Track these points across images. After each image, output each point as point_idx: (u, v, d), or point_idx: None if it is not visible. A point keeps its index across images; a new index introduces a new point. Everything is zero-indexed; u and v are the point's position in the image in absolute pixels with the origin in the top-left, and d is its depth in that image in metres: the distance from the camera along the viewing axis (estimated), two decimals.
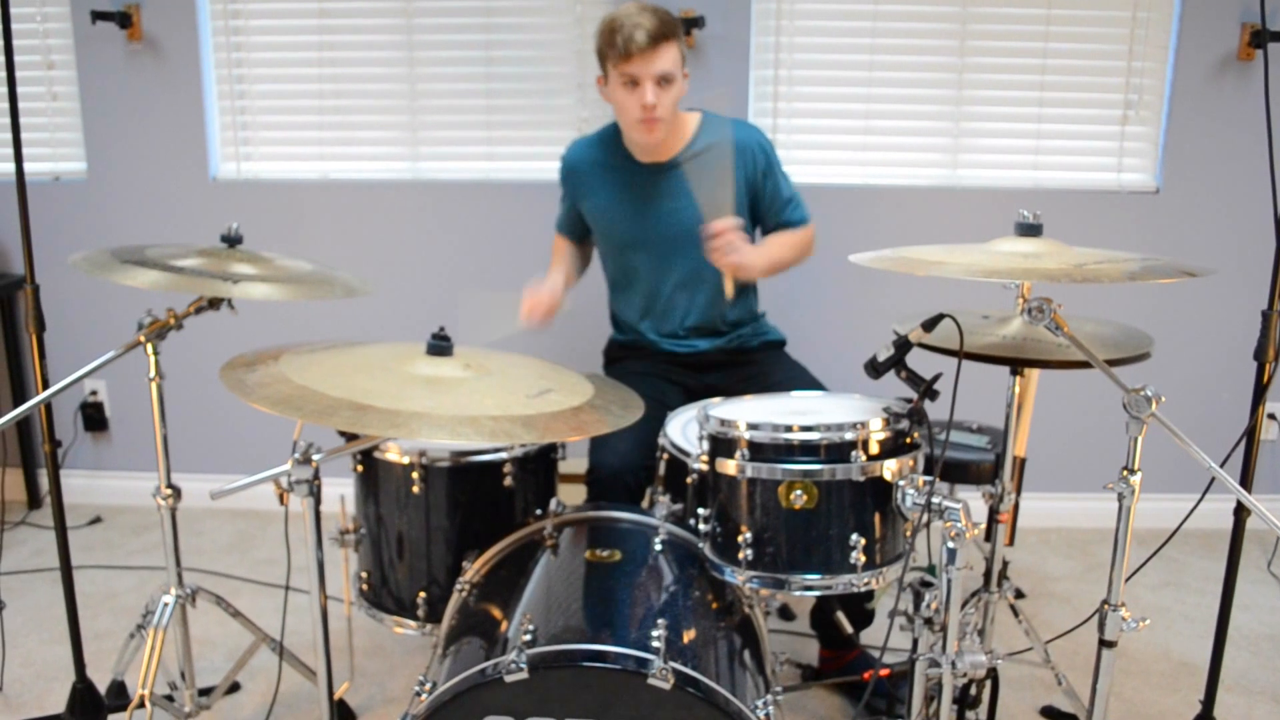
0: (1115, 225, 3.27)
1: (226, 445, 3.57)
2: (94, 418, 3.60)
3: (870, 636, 2.48)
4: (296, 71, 3.37)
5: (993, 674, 2.22)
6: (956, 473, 2.52)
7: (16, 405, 3.32)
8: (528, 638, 1.46)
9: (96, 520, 3.50)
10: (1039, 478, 3.38)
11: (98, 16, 3.19)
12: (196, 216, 3.41)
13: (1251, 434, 1.96)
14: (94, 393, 3.58)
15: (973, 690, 2.08)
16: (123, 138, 3.38)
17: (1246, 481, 1.95)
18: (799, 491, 1.59)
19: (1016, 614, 2.29)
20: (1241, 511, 1.95)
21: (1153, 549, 2.25)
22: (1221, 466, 1.55)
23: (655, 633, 1.47)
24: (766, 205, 2.51)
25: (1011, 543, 2.20)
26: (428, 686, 1.55)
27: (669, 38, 2.27)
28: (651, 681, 1.40)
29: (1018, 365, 2.01)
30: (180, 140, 3.37)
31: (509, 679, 1.41)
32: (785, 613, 2.80)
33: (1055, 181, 3.30)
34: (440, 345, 1.62)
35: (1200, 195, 3.23)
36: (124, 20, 3.22)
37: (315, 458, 1.58)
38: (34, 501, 3.59)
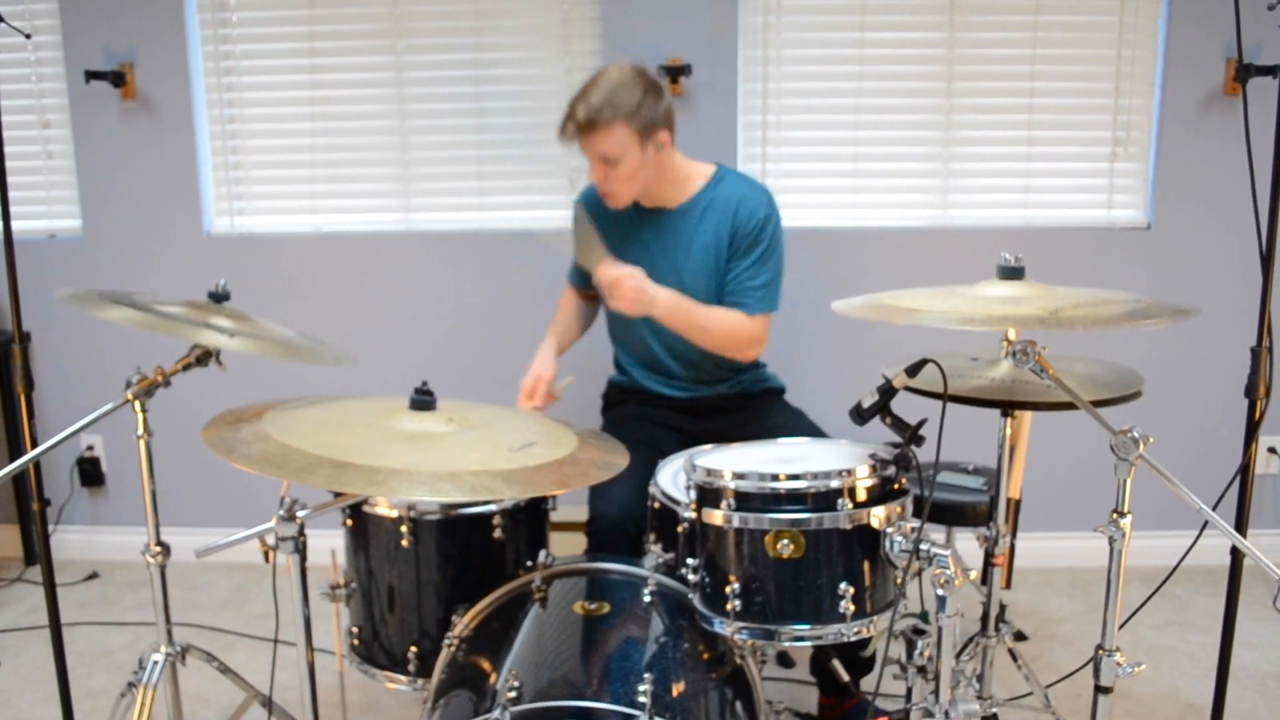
0: (1108, 262, 3.27)
1: (223, 499, 3.55)
2: (90, 473, 3.60)
3: (872, 683, 2.44)
4: (289, 126, 3.41)
5: None
6: (952, 515, 2.49)
7: (13, 460, 3.32)
8: (513, 694, 1.45)
9: (93, 576, 3.48)
10: (1040, 517, 3.35)
11: (92, 76, 3.23)
12: (191, 271, 3.42)
13: (1245, 471, 1.95)
14: (90, 448, 3.58)
15: None
16: (117, 195, 3.41)
17: (1242, 519, 1.93)
18: (786, 541, 1.58)
19: (1015, 658, 2.26)
20: (1238, 552, 1.93)
21: (1157, 587, 2.23)
22: (1216, 504, 1.54)
23: (642, 687, 1.45)
24: (734, 272, 2.42)
25: (1008, 585, 2.17)
26: None
27: (609, 121, 2.24)
28: None
29: (1007, 408, 2.00)
30: (174, 196, 3.40)
31: None
32: (784, 660, 2.77)
33: (1046, 220, 3.31)
34: (423, 400, 1.62)
35: (1192, 230, 3.24)
36: (118, 79, 3.26)
37: (300, 514, 1.57)
38: (30, 558, 3.58)
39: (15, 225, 3.38)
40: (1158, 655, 2.79)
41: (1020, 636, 2.91)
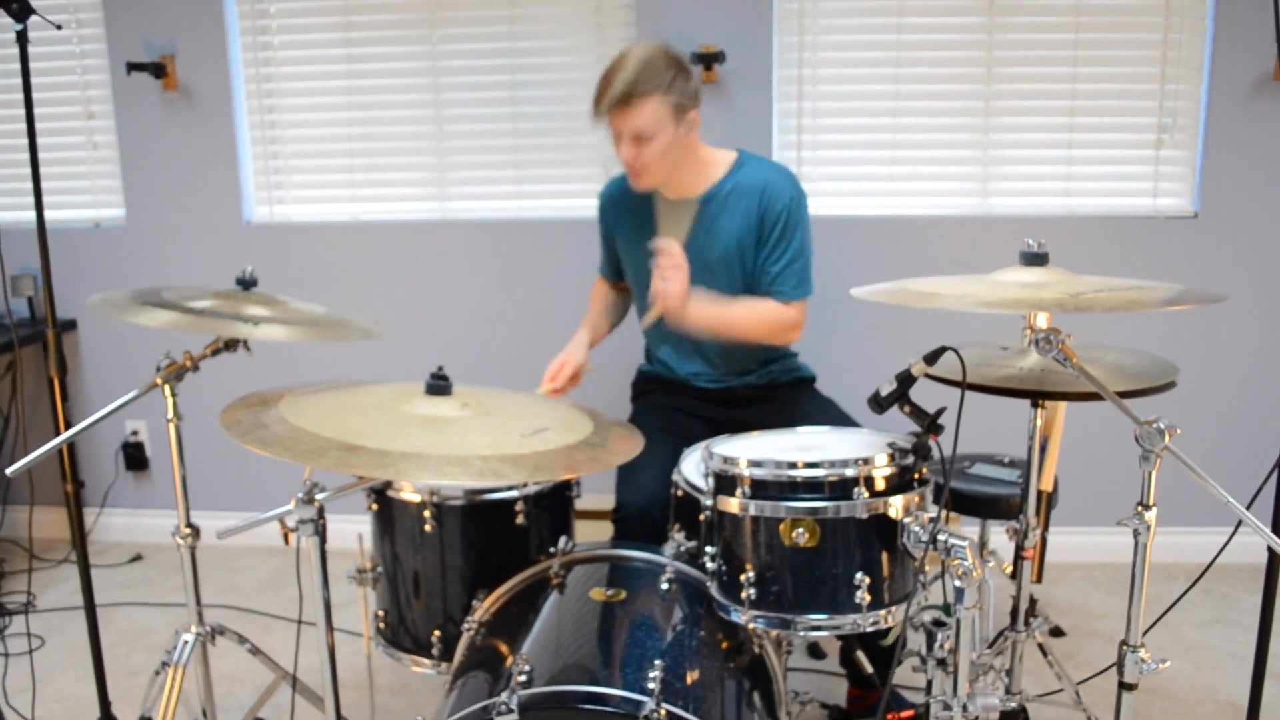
0: (1153, 251, 3.19)
1: (261, 483, 3.62)
2: (135, 457, 3.67)
3: (904, 675, 2.42)
4: (327, 116, 3.44)
5: (1023, 715, 2.16)
6: (986, 507, 2.45)
7: None
8: (523, 678, 1.45)
9: (137, 558, 3.56)
10: (1082, 511, 3.29)
11: (133, 67, 3.29)
12: (231, 259, 3.48)
13: None
14: (135, 432, 3.65)
15: None
16: (160, 184, 3.47)
17: None
18: (801, 530, 1.56)
19: (1045, 653, 2.22)
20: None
21: (1192, 584, 2.17)
22: (1253, 499, 1.49)
23: (652, 674, 1.44)
24: (762, 261, 2.40)
25: (1039, 579, 2.13)
26: None
27: (646, 95, 2.21)
28: None
29: (1037, 398, 1.96)
30: (215, 185, 3.45)
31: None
32: (815, 651, 2.75)
33: (1089, 208, 3.23)
34: (438, 385, 1.62)
35: (1241, 219, 3.15)
36: (159, 70, 3.32)
37: (319, 497, 1.59)
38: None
39: (61, 214, 3.51)
40: (1199, 653, 2.73)
41: (1058, 632, 2.86)
